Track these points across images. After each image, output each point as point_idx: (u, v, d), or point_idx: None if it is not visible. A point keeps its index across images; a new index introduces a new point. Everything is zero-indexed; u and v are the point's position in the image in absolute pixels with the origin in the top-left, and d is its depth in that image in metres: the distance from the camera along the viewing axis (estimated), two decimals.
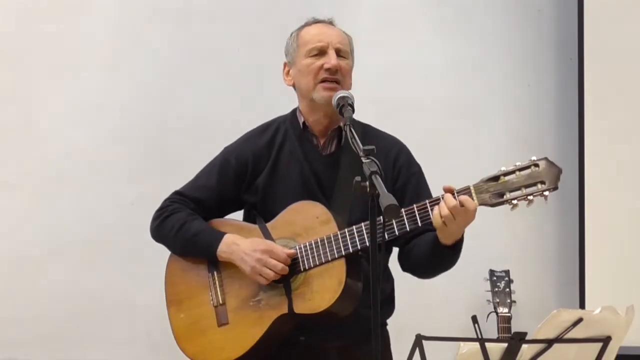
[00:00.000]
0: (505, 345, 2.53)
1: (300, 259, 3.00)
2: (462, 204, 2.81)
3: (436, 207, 2.85)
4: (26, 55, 4.61)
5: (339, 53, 3.10)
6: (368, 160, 2.54)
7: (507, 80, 4.85)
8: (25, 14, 4.62)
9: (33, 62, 4.61)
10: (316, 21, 3.20)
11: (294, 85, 3.18)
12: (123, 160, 4.62)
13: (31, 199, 4.56)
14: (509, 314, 4.41)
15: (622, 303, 2.58)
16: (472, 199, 2.84)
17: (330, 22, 3.20)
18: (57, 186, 4.57)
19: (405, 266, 3.12)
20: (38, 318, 4.51)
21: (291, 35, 3.20)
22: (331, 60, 3.07)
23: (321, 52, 3.10)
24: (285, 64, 3.20)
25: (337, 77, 3.07)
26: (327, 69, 3.06)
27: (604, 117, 4.63)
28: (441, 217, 2.83)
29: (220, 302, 3.09)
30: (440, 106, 4.81)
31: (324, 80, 3.07)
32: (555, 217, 4.79)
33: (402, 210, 2.89)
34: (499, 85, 4.85)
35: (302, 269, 2.99)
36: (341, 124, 3.04)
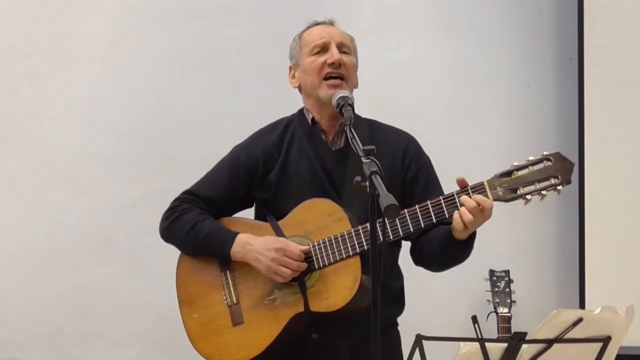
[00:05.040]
0: (505, 345, 2.53)
1: (314, 257, 2.99)
2: (479, 205, 2.83)
3: (456, 212, 2.87)
4: (26, 55, 4.61)
5: (341, 48, 3.12)
6: (368, 160, 2.55)
7: (507, 80, 4.85)
8: (26, 13, 4.62)
9: (33, 61, 4.61)
10: (317, 23, 3.22)
11: (299, 88, 3.19)
12: (123, 160, 4.62)
13: (31, 199, 4.56)
14: (509, 314, 4.41)
15: (622, 303, 2.58)
16: (487, 194, 2.87)
17: (331, 23, 3.22)
18: (57, 186, 4.57)
19: (418, 261, 3.13)
20: (38, 318, 4.51)
21: (294, 39, 3.22)
22: (334, 55, 3.08)
23: (323, 49, 3.12)
24: (290, 68, 3.22)
25: (341, 72, 3.08)
26: (331, 64, 3.07)
27: (604, 117, 4.62)
28: (464, 222, 2.85)
29: (235, 301, 3.08)
30: (440, 106, 4.81)
31: (328, 77, 3.08)
32: (555, 217, 4.79)
33: (417, 207, 2.92)
34: (499, 85, 4.85)
35: (316, 267, 2.99)
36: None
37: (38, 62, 4.61)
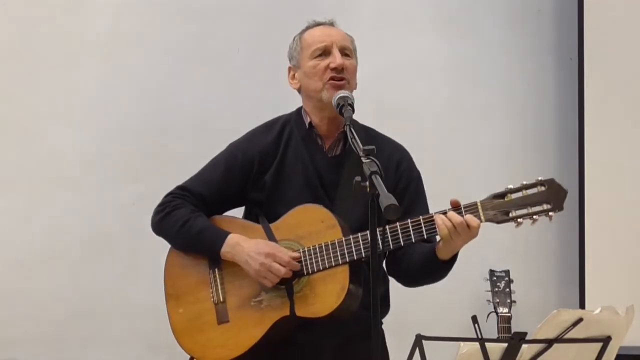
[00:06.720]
0: (505, 345, 2.53)
1: (303, 263, 3.00)
2: (467, 223, 2.83)
3: (440, 217, 2.86)
4: (25, 55, 4.60)
5: (343, 52, 3.11)
6: (368, 160, 2.55)
7: (507, 80, 4.85)
8: (26, 13, 4.62)
9: (32, 61, 4.60)
10: (318, 23, 3.20)
11: (299, 89, 3.17)
12: (123, 160, 4.62)
13: (31, 199, 4.56)
14: (509, 314, 4.41)
15: (622, 303, 2.59)
16: (479, 214, 2.87)
17: (331, 24, 3.21)
18: (56, 186, 4.57)
19: (392, 271, 3.13)
20: (38, 318, 4.51)
21: (294, 39, 3.20)
22: (336, 59, 3.07)
23: (325, 52, 3.10)
24: (290, 69, 3.20)
25: (343, 76, 3.07)
26: (333, 69, 3.06)
27: (604, 117, 4.63)
28: (447, 229, 2.85)
29: (221, 299, 3.09)
30: (440, 106, 4.81)
31: (331, 79, 3.07)
32: (556, 217, 4.77)
33: (409, 221, 2.91)
34: (499, 85, 4.85)
35: (305, 273, 3.00)
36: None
37: (38, 62, 4.61)
